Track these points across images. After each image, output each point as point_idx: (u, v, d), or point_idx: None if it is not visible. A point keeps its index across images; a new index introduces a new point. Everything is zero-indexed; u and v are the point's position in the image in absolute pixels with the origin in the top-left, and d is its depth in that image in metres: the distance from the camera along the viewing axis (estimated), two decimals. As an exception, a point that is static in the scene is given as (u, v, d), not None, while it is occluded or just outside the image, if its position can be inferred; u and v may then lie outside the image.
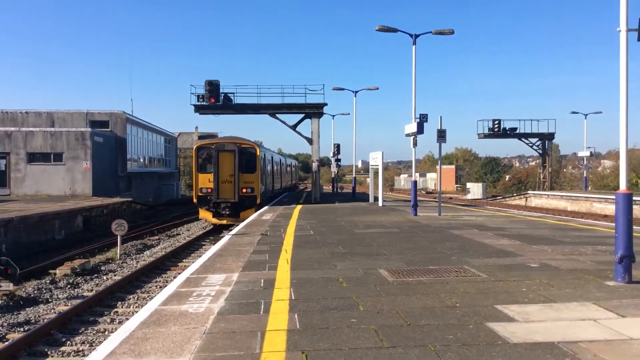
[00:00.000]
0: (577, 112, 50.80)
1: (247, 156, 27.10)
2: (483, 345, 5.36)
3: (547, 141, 51.37)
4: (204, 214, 27.18)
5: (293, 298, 7.42)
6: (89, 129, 35.35)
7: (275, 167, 38.80)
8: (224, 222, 25.89)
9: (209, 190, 26.55)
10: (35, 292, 12.40)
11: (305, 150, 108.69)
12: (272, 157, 36.30)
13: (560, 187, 60.54)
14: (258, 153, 27.41)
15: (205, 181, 26.75)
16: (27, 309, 11.15)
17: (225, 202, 26.28)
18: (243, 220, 21.91)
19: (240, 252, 11.88)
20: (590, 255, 10.95)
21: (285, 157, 57.66)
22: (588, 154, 52.14)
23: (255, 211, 25.51)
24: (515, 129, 50.04)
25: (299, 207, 27.68)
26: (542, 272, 9.07)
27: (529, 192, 51.11)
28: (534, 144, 51.55)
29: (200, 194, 26.74)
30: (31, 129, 35.16)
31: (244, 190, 26.73)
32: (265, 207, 27.79)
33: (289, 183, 52.06)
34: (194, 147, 28.17)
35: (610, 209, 35.39)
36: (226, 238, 14.78)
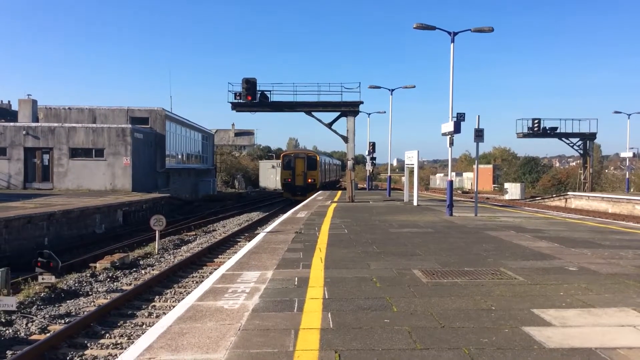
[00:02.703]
0: (620, 112, 49.47)
1: (311, 160, 46.72)
2: (518, 349, 5.31)
3: (588, 141, 50.24)
4: (286, 194, 46.09)
5: (326, 297, 7.46)
6: (130, 126, 36.10)
7: (326, 166, 56.34)
8: (299, 198, 40.39)
9: (289, 180, 45.69)
10: (76, 285, 12.75)
11: (341, 148, 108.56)
12: (324, 160, 54.53)
13: (601, 188, 59.11)
14: (318, 159, 47.52)
15: (287, 175, 45.97)
16: (67, 301, 11.48)
17: (299, 187, 45.03)
18: (309, 197, 35.56)
19: (274, 249, 11.98)
20: (631, 259, 10.69)
21: (333, 158, 75.27)
22: (631, 154, 50.81)
23: (315, 192, 41.09)
24: (556, 128, 49.08)
25: (334, 205, 27.72)
26: (581, 276, 8.89)
27: (568, 193, 50.02)
28: (574, 144, 50.49)
29: (284, 182, 46.61)
30: (74, 125, 36.14)
31: (309, 181, 45.74)
32: (320, 192, 42.50)
33: (334, 178, 67.57)
34: (281, 155, 50.75)
35: (653, 211, 34.40)
36: (261, 235, 14.91)
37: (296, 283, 8.37)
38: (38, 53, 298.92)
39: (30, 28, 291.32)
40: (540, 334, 5.76)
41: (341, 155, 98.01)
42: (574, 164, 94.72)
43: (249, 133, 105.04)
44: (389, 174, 44.91)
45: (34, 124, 35.91)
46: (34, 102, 38.73)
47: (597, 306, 6.96)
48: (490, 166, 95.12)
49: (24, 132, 34.48)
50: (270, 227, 17.53)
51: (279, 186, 67.95)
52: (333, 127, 30.97)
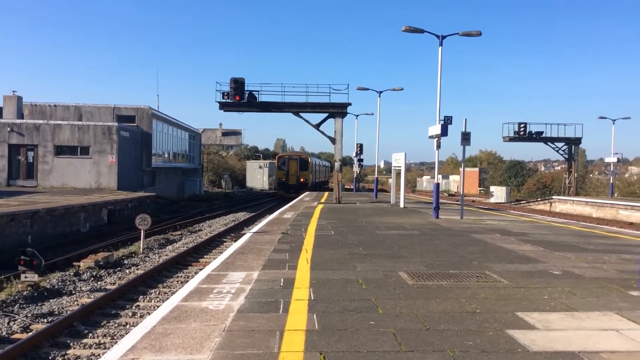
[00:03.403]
0: (605, 117, 49.98)
1: (303, 162, 53.00)
2: (502, 352, 5.33)
3: (573, 146, 50.65)
4: (281, 192, 52.02)
5: (312, 298, 7.45)
6: (116, 124, 35.84)
7: (317, 167, 61.76)
8: (292, 195, 45.01)
9: (283, 179, 52.08)
10: (59, 283, 12.62)
11: (328, 149, 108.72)
12: (315, 162, 60.57)
13: (586, 192, 59.67)
14: (309, 161, 54.23)
15: (282, 174, 52.29)
16: (51, 300, 11.36)
17: (292, 186, 51.00)
18: (301, 195, 40.94)
19: (260, 250, 11.95)
20: (615, 263, 10.79)
21: (322, 160, 79.66)
22: (615, 159, 51.31)
23: (306, 191, 47.17)
24: (542, 132, 49.44)
25: (321, 206, 27.72)
26: (565, 280, 8.96)
27: (553, 197, 50.43)
28: (560, 149, 50.89)
29: (279, 181, 53.31)
30: (59, 122, 35.78)
31: (302, 180, 51.63)
32: (307, 192, 45.17)
33: (323, 178, 70.85)
34: (277, 156, 58.20)
35: (636, 216, 34.80)
36: (247, 236, 14.87)
37: (282, 284, 8.35)
38: (24, 49, 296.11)
39: (16, 23, 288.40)
40: (524, 337, 5.79)
41: (328, 157, 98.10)
42: (559, 168, 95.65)
43: (236, 133, 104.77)
44: (376, 175, 44.98)
45: (18, 121, 35.50)
46: (19, 98, 38.28)
47: (580, 310, 7.01)
48: (477, 169, 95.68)
49: (8, 129, 34.09)
50: (256, 228, 17.49)
51: (266, 186, 68.11)
52: (321, 128, 31.02)
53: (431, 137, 21.89)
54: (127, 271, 14.71)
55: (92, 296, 11.66)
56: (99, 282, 13.22)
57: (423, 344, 5.55)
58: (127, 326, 9.57)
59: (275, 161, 56.13)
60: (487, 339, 5.75)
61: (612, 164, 52.07)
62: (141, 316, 10.06)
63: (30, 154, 34.49)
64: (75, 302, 11.19)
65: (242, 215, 32.46)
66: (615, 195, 52.73)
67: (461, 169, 24.49)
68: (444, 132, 20.98)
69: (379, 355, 5.20)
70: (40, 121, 35.53)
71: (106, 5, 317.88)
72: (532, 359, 5.17)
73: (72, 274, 13.70)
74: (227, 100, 29.36)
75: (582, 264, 10.68)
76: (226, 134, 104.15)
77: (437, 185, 22.76)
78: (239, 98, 29.09)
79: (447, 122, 21.09)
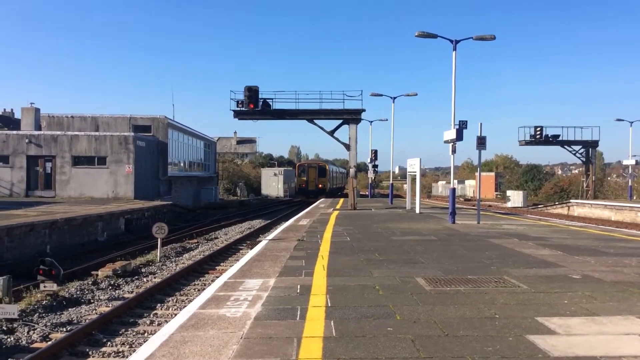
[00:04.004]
0: (622, 120, 49.48)
1: (321, 169, 59.58)
2: (523, 358, 5.27)
3: (590, 149, 50.22)
4: (301, 197, 57.26)
5: (329, 305, 7.43)
6: (132, 134, 36.16)
7: (334, 174, 67.92)
8: (311, 200, 48.22)
9: (304, 185, 58.39)
10: (78, 292, 12.71)
11: (343, 156, 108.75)
12: (332, 169, 67.40)
13: (604, 196, 59.00)
14: (327, 168, 60.85)
15: (302, 181, 58.79)
16: (69, 309, 11.44)
17: (311, 191, 56.69)
18: (317, 201, 41.97)
19: (277, 257, 11.96)
20: (635, 267, 10.64)
21: (339, 167, 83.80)
22: (633, 162, 50.70)
23: (324, 196, 53.28)
24: (558, 136, 49.08)
25: (336, 212, 27.69)
26: (585, 284, 8.85)
27: (571, 200, 49.91)
28: (577, 152, 50.47)
29: (299, 187, 59.49)
30: (76, 133, 36.23)
31: (320, 186, 57.82)
32: (322, 199, 46.53)
33: (340, 184, 74.72)
34: (297, 164, 67.09)
35: (656, 219, 34.29)
36: (263, 243, 14.89)
37: (299, 291, 8.34)
38: (40, 60, 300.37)
39: (32, 35, 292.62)
40: (544, 343, 5.72)
41: (343, 163, 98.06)
42: (576, 171, 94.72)
43: (251, 141, 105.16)
44: (391, 181, 44.91)
45: (36, 132, 35.99)
46: (37, 110, 38.82)
47: (601, 314, 6.92)
48: (493, 174, 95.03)
49: (26, 140, 34.55)
50: (272, 235, 17.51)
51: (281, 194, 68.18)
52: (335, 134, 31.04)
53: (446, 141, 21.79)
54: (145, 279, 14.79)
55: (110, 305, 11.73)
56: (117, 291, 13.29)
57: (442, 350, 5.50)
58: (146, 334, 9.60)
59: (296, 169, 63.57)
60: (507, 344, 5.68)
61: (630, 167, 51.47)
62: (159, 324, 10.09)
63: (48, 164, 34.89)
64: (94, 311, 11.26)
65: (257, 223, 32.52)
66: (634, 198, 52.03)
67: (477, 174, 24.35)
68: (459, 136, 20.88)
69: (398, 361, 5.16)
70: (58, 132, 35.97)
71: (119, 13, 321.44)
72: (553, 364, 5.10)
73: (90, 283, 13.80)
74: (241, 109, 29.50)
75: (602, 267, 10.54)
76: (241, 142, 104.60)
77: (453, 190, 22.63)
78: (253, 106, 29.22)
79: (462, 126, 20.99)
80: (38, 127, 38.30)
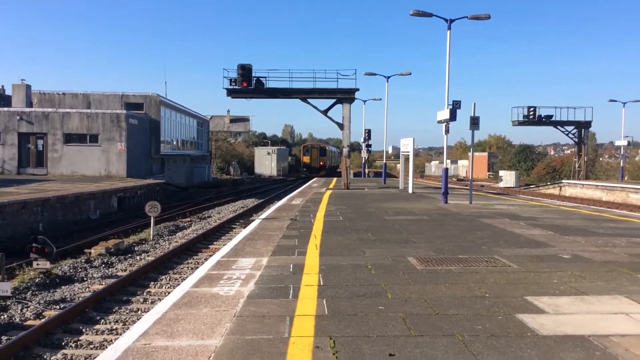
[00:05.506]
0: (615, 100, 49.57)
1: (322, 150, 72.98)
2: (512, 336, 5.34)
3: (583, 129, 50.34)
4: (305, 172, 68.71)
5: (321, 284, 7.48)
6: (124, 111, 35.91)
7: (332, 154, 78.49)
8: (313, 175, 58.39)
9: (308, 162, 72.43)
10: (71, 270, 12.75)
11: (336, 135, 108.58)
12: (331, 149, 78.67)
13: (595, 176, 59.31)
14: (327, 148, 74.05)
15: (307, 159, 73.07)
16: (62, 287, 11.48)
17: (314, 167, 69.30)
18: (321, 176, 54.95)
19: (270, 236, 12.00)
20: (625, 247, 10.76)
21: (336, 147, 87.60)
22: (625, 143, 50.91)
23: (324, 171, 66.34)
24: (551, 116, 49.13)
25: (329, 192, 27.74)
26: (574, 264, 8.95)
27: (563, 181, 50.18)
28: (569, 132, 50.59)
29: (304, 164, 73.38)
30: (68, 110, 35.91)
31: (321, 163, 71.01)
32: (315, 178, 48.80)
33: (336, 163, 79.02)
34: (302, 145, 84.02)
35: (647, 200, 34.56)
36: (256, 222, 14.92)
37: (291, 270, 8.39)
38: (31, 37, 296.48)
39: (23, 12, 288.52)
40: (533, 321, 5.80)
41: (337, 142, 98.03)
42: (568, 152, 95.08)
43: (244, 119, 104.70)
44: (384, 161, 44.90)
45: (28, 109, 35.68)
46: (28, 87, 38.42)
47: (590, 294, 7.01)
48: (486, 154, 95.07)
49: (18, 117, 34.26)
50: (265, 214, 17.55)
51: (274, 173, 68.27)
52: (329, 114, 30.94)
53: (440, 121, 21.78)
54: (138, 258, 14.83)
55: (103, 283, 11.78)
56: (110, 269, 13.34)
57: (432, 328, 5.57)
58: (139, 312, 9.67)
59: (301, 149, 79.29)
60: (496, 323, 5.76)
61: (622, 147, 51.68)
62: (152, 302, 10.15)
63: (40, 142, 34.67)
64: (87, 289, 11.31)
65: (250, 202, 32.55)
66: (626, 178, 52.37)
67: (470, 154, 24.39)
68: (453, 116, 20.86)
69: (389, 339, 5.23)
70: (49, 109, 35.68)
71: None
72: (541, 342, 5.18)
73: (83, 261, 13.82)
74: (234, 87, 29.31)
75: (592, 247, 10.65)
76: (234, 120, 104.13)
77: (446, 170, 22.69)
78: (247, 84, 29.05)
79: (455, 106, 20.95)
80: (29, 104, 37.95)
